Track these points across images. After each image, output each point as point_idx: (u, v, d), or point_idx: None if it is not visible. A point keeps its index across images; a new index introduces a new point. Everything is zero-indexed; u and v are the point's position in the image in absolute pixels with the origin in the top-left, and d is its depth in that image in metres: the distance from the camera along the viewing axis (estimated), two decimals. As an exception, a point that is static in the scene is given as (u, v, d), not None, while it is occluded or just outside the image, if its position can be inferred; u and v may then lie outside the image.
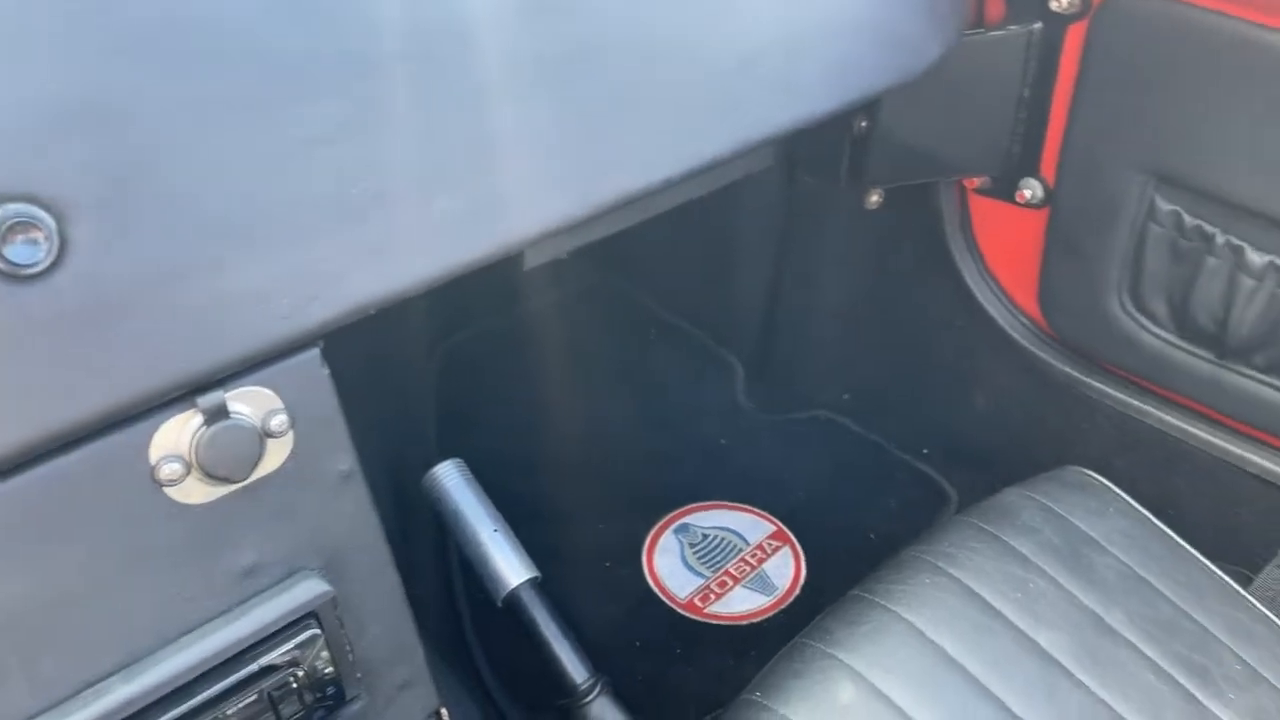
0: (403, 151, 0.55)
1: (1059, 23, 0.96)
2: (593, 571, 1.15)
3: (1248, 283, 0.92)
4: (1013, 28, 0.98)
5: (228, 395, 0.52)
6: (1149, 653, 0.80)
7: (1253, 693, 0.79)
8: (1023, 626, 0.81)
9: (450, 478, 0.94)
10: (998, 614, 0.82)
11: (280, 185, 0.52)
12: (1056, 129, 1.01)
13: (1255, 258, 0.91)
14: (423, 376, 1.33)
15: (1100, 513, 0.91)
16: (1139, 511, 0.91)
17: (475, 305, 1.43)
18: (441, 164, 0.56)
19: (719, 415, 1.37)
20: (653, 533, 1.20)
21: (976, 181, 1.11)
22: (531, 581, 0.90)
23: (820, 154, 1.15)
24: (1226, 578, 0.87)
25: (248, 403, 0.53)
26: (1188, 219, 0.94)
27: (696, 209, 1.36)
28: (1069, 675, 0.78)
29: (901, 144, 1.08)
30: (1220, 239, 0.93)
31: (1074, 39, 0.95)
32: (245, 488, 0.54)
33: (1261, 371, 0.96)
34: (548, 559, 1.02)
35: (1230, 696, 0.78)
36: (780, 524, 1.21)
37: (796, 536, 1.20)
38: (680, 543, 1.19)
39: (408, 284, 0.57)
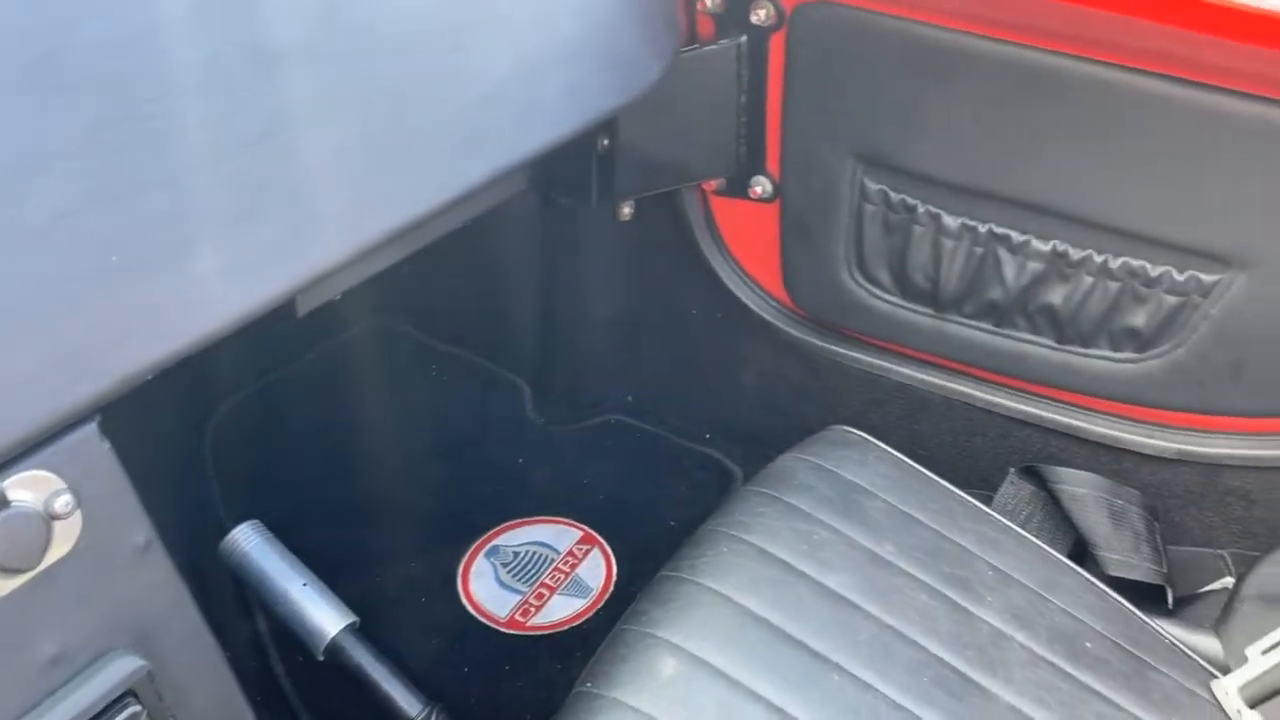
0: (157, 214, 0.55)
1: (761, 34, 1.06)
2: (410, 609, 1.16)
3: (948, 244, 1.07)
4: (723, 42, 1.08)
5: (4, 484, 0.50)
6: (919, 575, 0.91)
7: (1005, 592, 0.91)
8: (813, 574, 0.89)
9: (249, 540, 0.92)
10: (790, 567, 0.90)
11: (29, 263, 0.51)
12: (775, 128, 1.12)
13: (950, 221, 1.05)
14: (202, 443, 1.28)
15: (862, 462, 1.02)
16: (895, 456, 1.03)
17: (251, 365, 1.39)
18: (199, 222, 0.57)
19: (511, 435, 1.41)
20: (464, 560, 1.22)
21: (714, 184, 1.20)
22: (350, 627, 0.90)
23: (569, 175, 1.22)
24: (972, 499, 1.01)
25: (27, 488, 0.51)
26: (893, 195, 1.08)
27: (461, 241, 1.39)
28: (858, 609, 0.87)
29: (642, 157, 1.16)
30: (921, 209, 1.06)
31: (777, 47, 1.07)
32: (37, 576, 0.52)
33: (971, 318, 1.11)
34: (362, 606, 1.01)
35: (989, 599, 0.90)
36: (586, 528, 1.26)
37: (604, 537, 1.25)
38: (493, 565, 1.21)
39: (179, 346, 0.57)
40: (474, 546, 1.23)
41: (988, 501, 1.06)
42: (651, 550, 1.24)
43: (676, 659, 0.82)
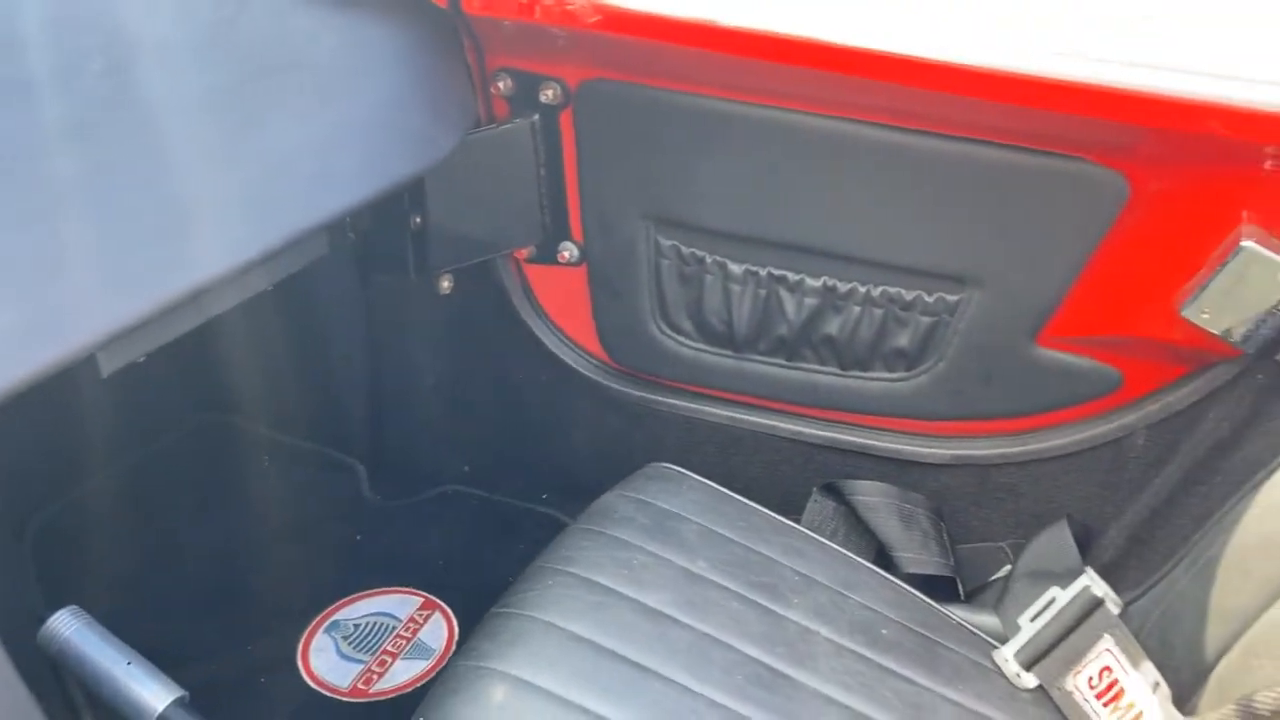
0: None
1: (551, 112, 1.16)
2: (249, 691, 1.14)
3: (736, 289, 1.18)
4: (517, 121, 1.17)
5: None
6: (730, 586, 0.98)
7: (809, 594, 1.00)
8: (633, 595, 0.95)
9: (68, 626, 0.91)
10: (612, 591, 0.96)
11: None
12: (574, 196, 1.22)
13: (736, 269, 1.16)
14: (21, 548, 1.24)
15: (677, 493, 1.09)
16: (707, 485, 1.11)
17: (74, 468, 1.36)
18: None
19: (348, 515, 1.42)
20: (303, 638, 1.21)
21: (525, 252, 1.28)
22: (179, 701, 0.90)
23: (387, 252, 1.28)
24: (778, 516, 1.09)
25: None
26: (684, 249, 1.18)
27: (284, 325, 1.42)
28: (676, 621, 0.93)
29: (454, 231, 1.23)
30: (709, 260, 1.17)
31: (566, 123, 1.17)
32: None
33: (765, 355, 1.22)
34: (200, 693, 1.00)
35: (795, 601, 0.98)
36: (427, 594, 1.28)
37: (445, 601, 1.27)
38: (333, 639, 1.21)
39: None
40: (313, 623, 1.23)
41: (795, 518, 1.15)
42: (489, 606, 1.28)
43: (506, 686, 0.86)
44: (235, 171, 0.76)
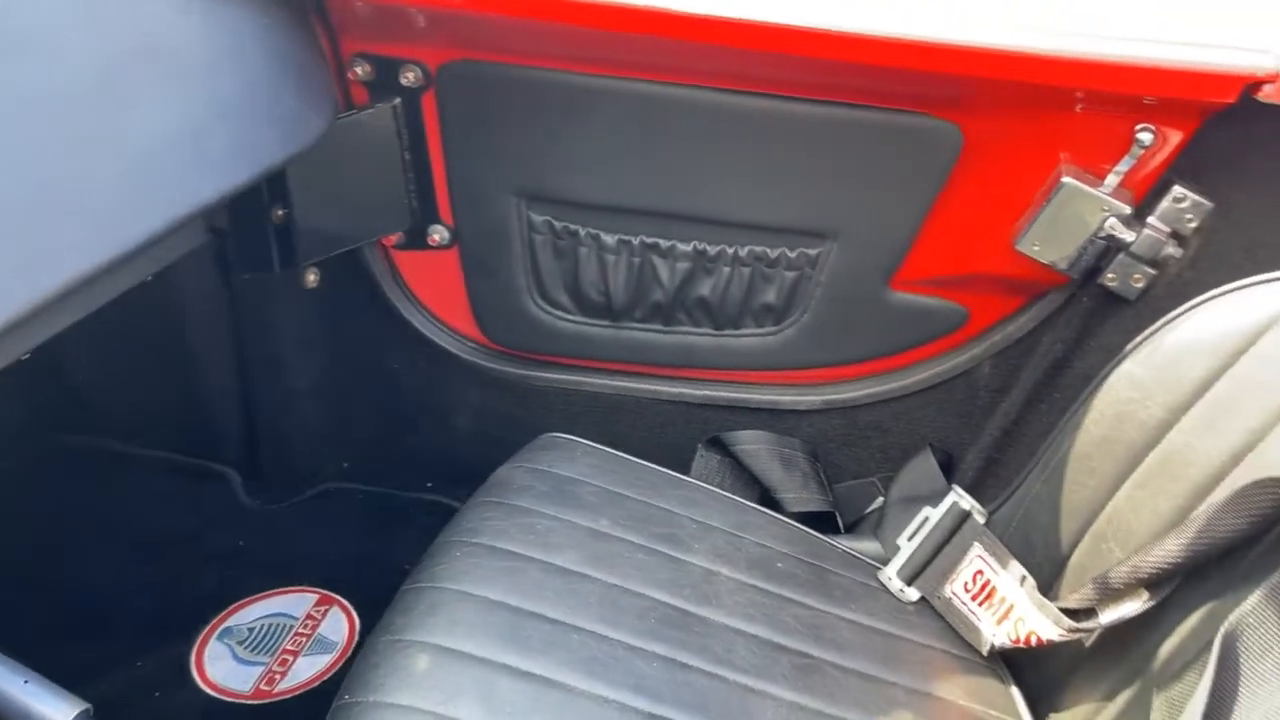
0: None
1: (413, 95, 1.16)
2: (145, 707, 1.10)
3: (611, 259, 1.22)
4: (379, 106, 1.17)
5: None
6: (633, 539, 1.02)
7: (707, 539, 1.05)
8: (542, 558, 0.98)
9: (-53, 653, 0.86)
10: (521, 556, 0.98)
11: None
12: (442, 179, 1.22)
13: (609, 239, 1.20)
14: None
15: (571, 459, 1.12)
16: (599, 449, 1.14)
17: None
18: None
19: (227, 522, 1.38)
20: (195, 648, 1.18)
21: (393, 239, 1.28)
22: (85, 714, 0.86)
23: (249, 248, 1.24)
24: (671, 472, 1.14)
25: None
26: (557, 224, 1.21)
27: (146, 337, 1.36)
28: (586, 577, 0.97)
29: (319, 221, 1.21)
30: (583, 232, 1.21)
31: (429, 105, 1.17)
32: None
33: (642, 322, 1.26)
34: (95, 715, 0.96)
35: (695, 547, 1.03)
36: (322, 590, 1.26)
37: (341, 595, 1.26)
38: (227, 645, 1.18)
39: None
40: (204, 633, 1.20)
41: (686, 471, 1.20)
42: (390, 594, 1.27)
43: (428, 654, 0.87)
44: (104, 160, 0.73)
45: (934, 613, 1.02)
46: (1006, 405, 1.17)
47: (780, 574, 1.02)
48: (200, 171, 0.81)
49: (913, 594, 1.03)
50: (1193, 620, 0.77)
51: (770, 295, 1.19)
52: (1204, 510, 0.75)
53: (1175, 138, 0.95)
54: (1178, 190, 0.98)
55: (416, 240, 1.28)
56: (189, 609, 1.23)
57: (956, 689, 0.94)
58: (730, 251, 1.17)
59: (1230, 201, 0.96)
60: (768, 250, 1.16)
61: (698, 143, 1.12)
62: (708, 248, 1.17)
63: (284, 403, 1.45)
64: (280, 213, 1.18)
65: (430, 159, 1.22)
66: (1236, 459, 0.78)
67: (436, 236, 1.26)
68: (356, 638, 1.21)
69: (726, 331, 1.24)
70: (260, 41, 0.94)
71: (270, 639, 1.19)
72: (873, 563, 1.07)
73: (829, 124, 1.07)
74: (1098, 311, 1.07)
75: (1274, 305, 0.78)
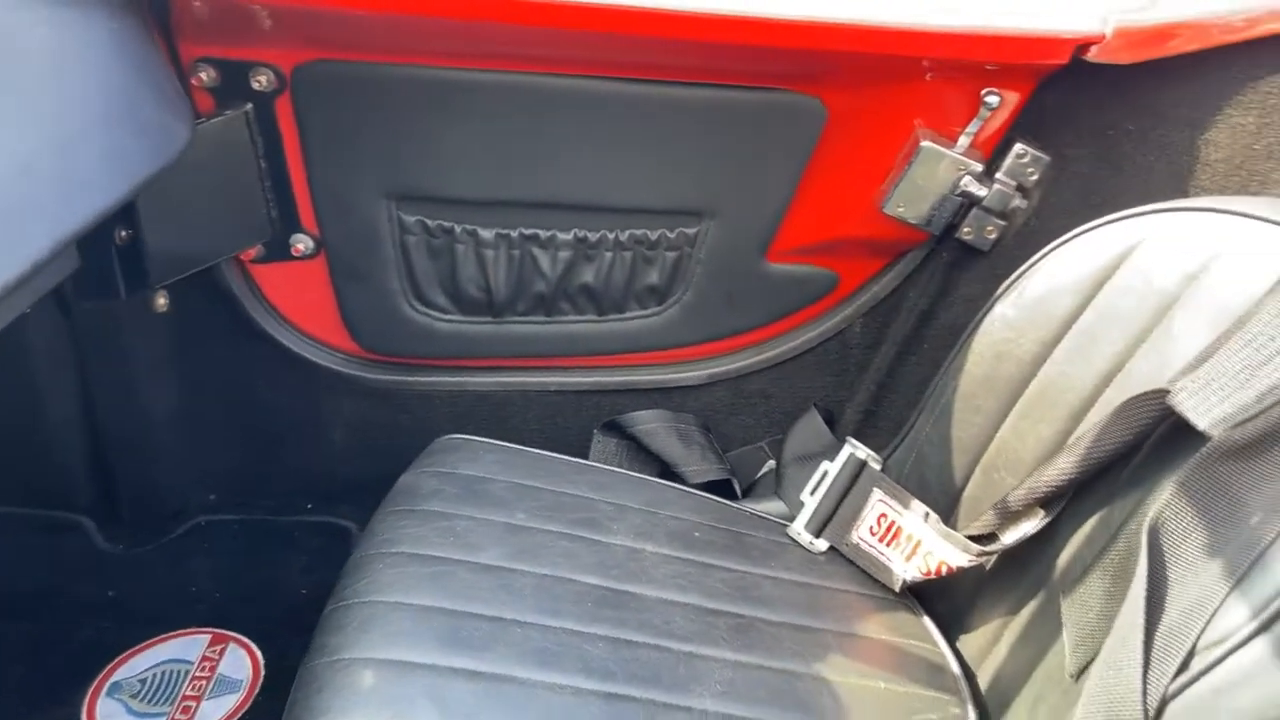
0: None
1: (266, 99, 1.11)
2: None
3: (489, 254, 1.21)
4: (228, 113, 1.11)
5: None
6: (553, 529, 1.02)
7: (624, 519, 1.06)
8: (467, 558, 0.97)
9: None
10: (445, 559, 0.96)
11: None
12: (303, 185, 1.17)
13: (486, 234, 1.19)
14: None
15: (475, 458, 1.11)
16: (503, 445, 1.13)
17: None
18: None
19: (92, 575, 1.27)
20: (84, 709, 1.08)
21: (252, 252, 1.22)
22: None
23: (91, 276, 1.15)
24: (575, 459, 1.15)
25: None
26: (431, 222, 1.19)
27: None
28: (514, 570, 0.96)
29: (169, 241, 1.13)
30: (459, 229, 1.19)
31: (285, 109, 1.12)
32: None
33: (525, 316, 1.26)
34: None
35: (614, 528, 1.04)
36: (214, 629, 1.19)
37: (236, 631, 1.19)
38: (119, 701, 1.09)
39: None
40: (89, 692, 1.10)
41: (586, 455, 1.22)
42: (291, 622, 1.22)
43: (372, 670, 0.84)
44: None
45: (844, 559, 1.08)
46: (879, 360, 1.25)
47: (699, 543, 1.05)
48: (72, 189, 0.75)
49: (822, 544, 1.09)
50: (1086, 529, 0.86)
51: (653, 276, 1.22)
52: (1091, 429, 0.83)
53: (1015, 99, 1.05)
54: (1019, 147, 1.08)
55: (278, 252, 1.22)
56: (67, 670, 1.13)
57: (877, 626, 1.00)
58: (611, 236, 1.19)
59: (1065, 154, 1.07)
60: (648, 233, 1.18)
61: (571, 131, 1.12)
62: (588, 234, 1.18)
63: (139, 439, 1.35)
64: (125, 234, 1.09)
65: (288, 166, 1.16)
66: (1107, 380, 0.87)
67: (300, 246, 1.21)
68: (263, 671, 1.15)
69: (611, 316, 1.25)
70: (110, 45, 0.87)
71: (166, 687, 1.11)
72: (780, 521, 1.12)
73: (699, 106, 1.10)
74: (956, 264, 1.16)
75: (1124, 242, 0.87)
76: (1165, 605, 0.61)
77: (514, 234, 1.19)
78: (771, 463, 1.30)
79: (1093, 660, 0.76)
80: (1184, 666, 0.57)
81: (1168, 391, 0.73)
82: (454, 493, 1.06)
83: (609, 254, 1.20)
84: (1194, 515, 0.62)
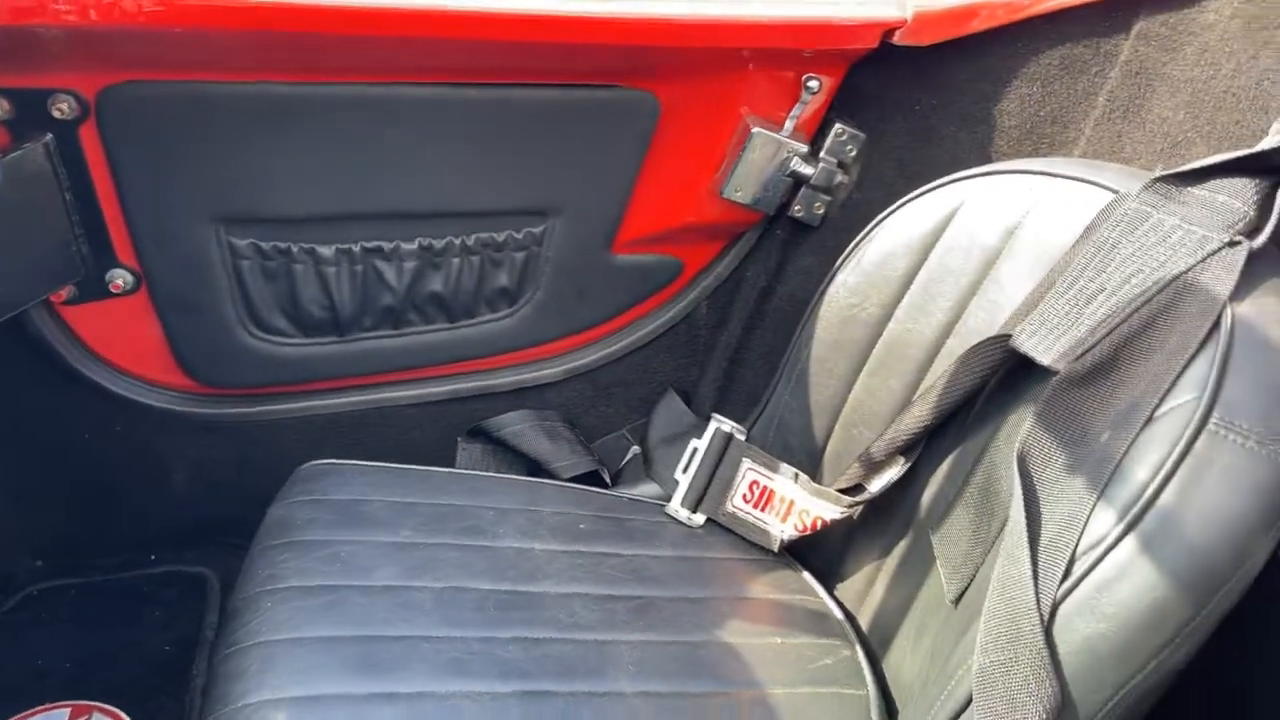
0: None
1: (68, 128, 1.03)
2: None
3: (330, 271, 1.17)
4: (26, 146, 1.02)
5: None
6: (439, 541, 1.02)
7: (507, 522, 1.06)
8: (361, 582, 0.95)
9: None
10: (335, 587, 0.94)
11: None
12: (117, 217, 1.09)
13: (326, 251, 1.15)
14: None
15: (345, 481, 1.08)
16: (369, 465, 1.11)
17: None
18: None
19: (-91, 667, 1.14)
20: (-69, 816, 0.98)
21: (64, 294, 1.12)
22: None
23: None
24: (446, 469, 1.14)
25: None
26: (264, 244, 1.14)
27: None
28: (412, 588, 0.95)
29: None
30: (295, 249, 1.15)
31: (91, 136, 1.04)
32: None
33: (373, 331, 1.23)
34: None
35: (499, 531, 1.05)
36: (73, 701, 1.10)
37: (99, 700, 1.10)
38: (-26, 799, 1.00)
39: None
40: (-64, 796, 1.00)
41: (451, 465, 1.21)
42: (157, 682, 1.14)
43: (284, 711, 0.81)
44: None
45: (723, 529, 1.13)
46: (726, 338, 1.32)
47: (585, 534, 1.08)
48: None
49: (700, 518, 1.13)
50: (944, 469, 0.94)
51: (503, 279, 1.22)
52: (940, 377, 0.92)
53: (831, 83, 1.13)
54: (838, 127, 1.16)
55: (93, 291, 1.13)
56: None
57: (762, 586, 1.06)
58: (458, 242, 1.18)
59: (879, 131, 1.16)
60: (494, 235, 1.19)
61: (407, 139, 1.11)
62: (434, 242, 1.17)
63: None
64: (-86, 287, 0.99)
65: (99, 197, 1.08)
66: (947, 332, 0.96)
67: (119, 282, 1.13)
68: (135, 737, 1.07)
69: (462, 323, 1.25)
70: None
71: (31, 772, 1.02)
72: (657, 502, 1.16)
73: (535, 106, 1.11)
74: (790, 240, 1.24)
75: (947, 206, 0.96)
76: (1042, 523, 0.69)
77: (356, 248, 1.16)
78: (636, 448, 1.33)
79: (969, 585, 0.84)
80: (1068, 573, 0.65)
81: (1009, 336, 0.82)
82: (330, 519, 1.03)
83: (456, 260, 1.19)
84: (1053, 441, 0.71)
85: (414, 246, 1.17)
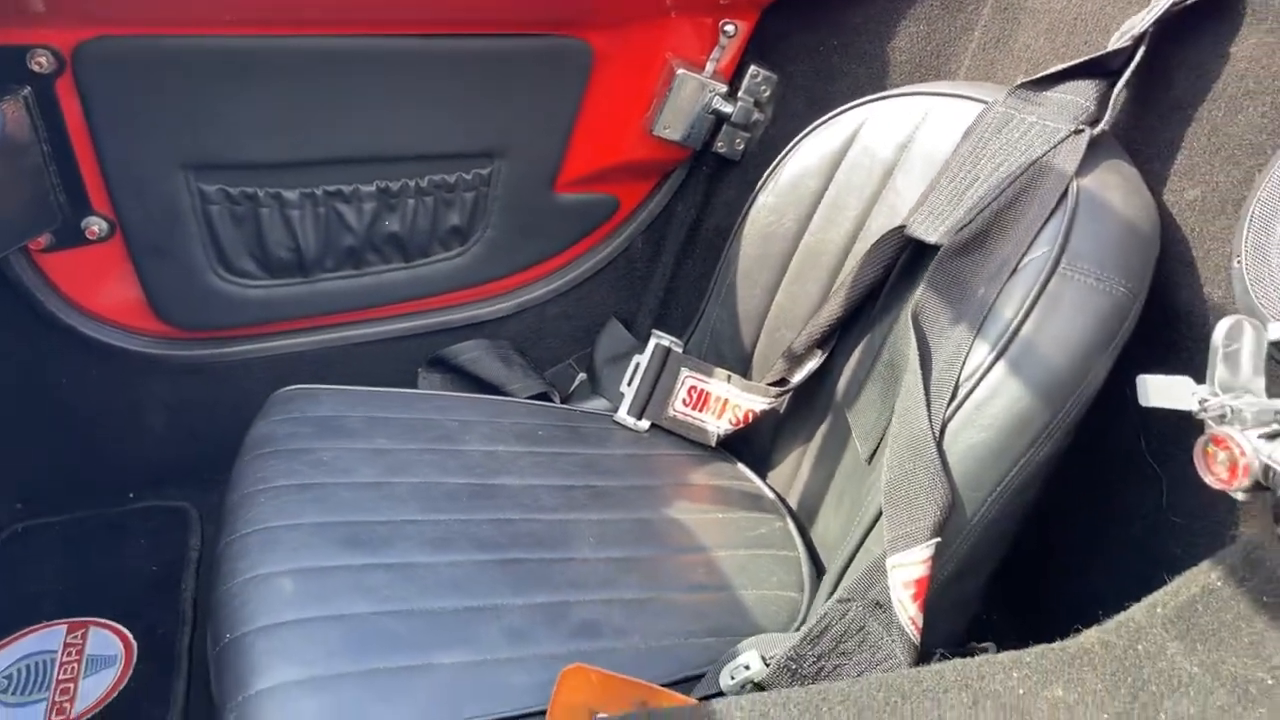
0: None
1: (46, 82, 1.10)
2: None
3: (295, 215, 1.26)
4: (6, 99, 1.09)
5: None
6: (413, 447, 1.12)
7: (474, 430, 1.17)
8: (343, 480, 1.04)
9: None
10: (321, 485, 1.03)
11: None
12: (93, 166, 1.17)
13: (290, 195, 1.25)
14: None
15: (322, 401, 1.17)
16: (342, 389, 1.20)
17: None
18: None
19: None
20: (-52, 719, 1.05)
21: (41, 241, 1.20)
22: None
23: None
24: (415, 390, 1.25)
25: None
26: (232, 190, 1.23)
27: None
28: (391, 484, 1.05)
29: None
30: (262, 194, 1.24)
31: (67, 90, 1.12)
32: None
33: (336, 272, 1.33)
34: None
35: (467, 438, 1.15)
36: (68, 619, 1.17)
37: (94, 616, 1.18)
38: (-16, 702, 1.07)
39: None
40: (-55, 705, 1.07)
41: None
42: (150, 599, 1.23)
43: (289, 579, 0.91)
44: None
45: (665, 432, 1.26)
46: (660, 270, 1.44)
47: (544, 439, 1.19)
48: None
49: (644, 424, 1.26)
50: (855, 355, 1.08)
51: (454, 218, 1.33)
52: (848, 274, 1.06)
53: (745, 27, 1.26)
54: (754, 69, 1.30)
55: (69, 238, 1.21)
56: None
57: (703, 475, 1.19)
58: (412, 184, 1.28)
59: (790, 71, 1.30)
60: (446, 177, 1.29)
61: (363, 87, 1.21)
62: (390, 184, 1.28)
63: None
64: (-101, 235, 1.06)
65: (74, 148, 1.16)
66: (853, 238, 1.10)
67: (94, 229, 1.21)
68: (135, 644, 1.15)
69: (418, 261, 1.35)
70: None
71: (36, 677, 1.09)
72: (607, 411, 1.28)
73: (480, 55, 1.22)
74: (715, 176, 1.37)
75: (850, 128, 1.10)
76: (932, 364, 0.83)
77: (318, 191, 1.25)
78: (583, 375, 1.45)
79: (880, 444, 0.98)
80: (953, 398, 0.79)
81: (904, 226, 0.96)
82: (309, 432, 1.13)
83: (411, 201, 1.30)
84: (940, 300, 0.85)
85: (372, 189, 1.27)
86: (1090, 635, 0.77)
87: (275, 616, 0.87)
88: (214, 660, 0.86)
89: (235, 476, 1.07)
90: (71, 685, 1.10)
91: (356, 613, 0.89)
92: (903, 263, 1.02)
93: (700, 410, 1.24)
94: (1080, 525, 1.00)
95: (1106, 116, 0.87)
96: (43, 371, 1.29)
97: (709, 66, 1.28)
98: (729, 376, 1.21)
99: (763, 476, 1.22)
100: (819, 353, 1.11)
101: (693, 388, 1.24)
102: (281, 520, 0.98)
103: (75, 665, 1.12)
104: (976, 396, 0.78)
